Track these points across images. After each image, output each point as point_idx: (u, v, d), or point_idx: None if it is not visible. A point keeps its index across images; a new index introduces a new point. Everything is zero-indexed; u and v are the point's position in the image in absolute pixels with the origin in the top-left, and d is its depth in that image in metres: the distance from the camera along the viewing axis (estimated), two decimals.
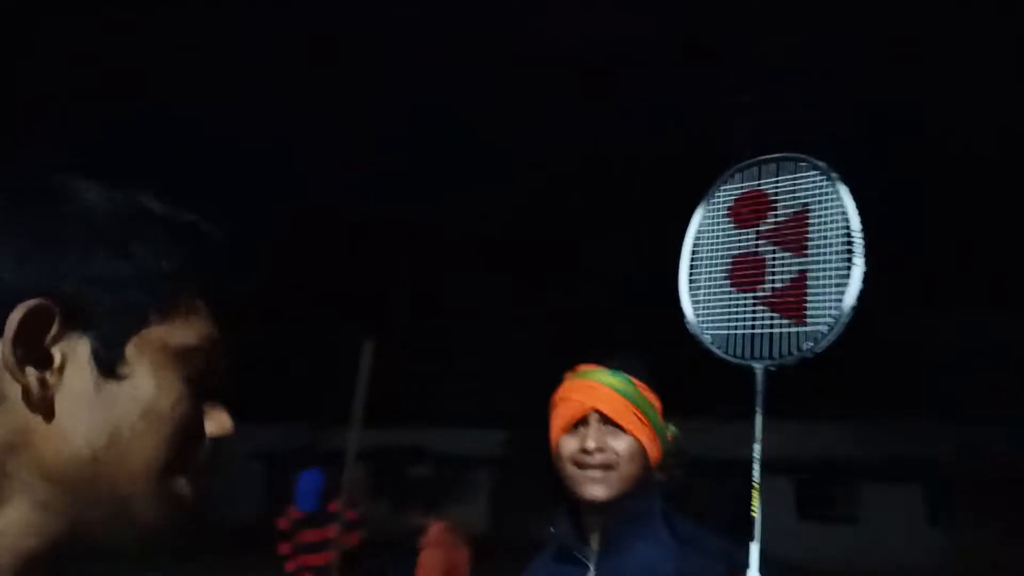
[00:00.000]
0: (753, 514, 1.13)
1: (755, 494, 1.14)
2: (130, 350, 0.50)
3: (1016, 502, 12.48)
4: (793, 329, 1.18)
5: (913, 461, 14.58)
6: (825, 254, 1.17)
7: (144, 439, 0.49)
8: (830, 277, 1.15)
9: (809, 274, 1.19)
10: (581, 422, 1.30)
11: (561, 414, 1.33)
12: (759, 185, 1.27)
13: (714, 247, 1.31)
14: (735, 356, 1.22)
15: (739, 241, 1.28)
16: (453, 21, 14.57)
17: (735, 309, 1.25)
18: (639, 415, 1.28)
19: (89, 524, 0.49)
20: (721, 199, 1.32)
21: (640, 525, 1.28)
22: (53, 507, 0.48)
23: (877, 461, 14.78)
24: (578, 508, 1.32)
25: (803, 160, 1.22)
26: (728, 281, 1.27)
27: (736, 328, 1.23)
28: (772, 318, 1.20)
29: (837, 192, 1.17)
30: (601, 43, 14.04)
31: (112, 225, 0.52)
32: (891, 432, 14.38)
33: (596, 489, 1.26)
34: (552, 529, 1.36)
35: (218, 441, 0.55)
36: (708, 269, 1.31)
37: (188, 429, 0.52)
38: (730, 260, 1.28)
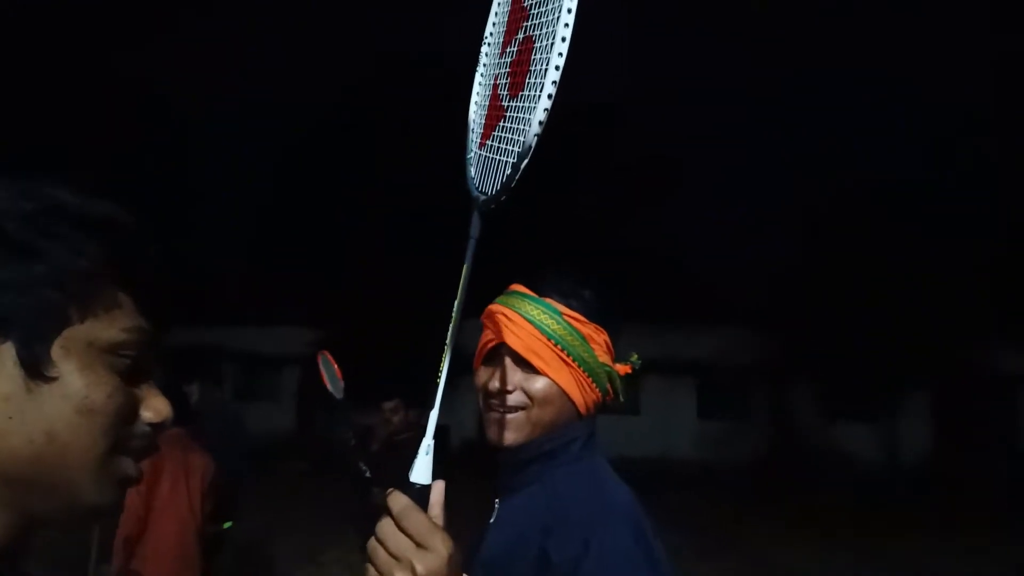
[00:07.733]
0: (438, 380, 0.89)
1: (445, 356, 0.90)
2: (56, 351, 0.50)
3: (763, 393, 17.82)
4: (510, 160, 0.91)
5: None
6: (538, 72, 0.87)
7: (82, 432, 0.50)
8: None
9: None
10: (495, 354, 1.20)
11: (480, 341, 1.23)
12: None
13: (493, 57, 1.06)
14: (472, 188, 0.95)
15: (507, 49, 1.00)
16: None
17: (494, 132, 0.99)
18: (560, 354, 1.15)
19: (39, 511, 0.51)
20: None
21: (540, 472, 1.15)
22: (2, 502, 0.50)
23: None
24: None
25: None
26: (488, 97, 1.01)
27: (487, 153, 0.97)
28: (501, 143, 0.94)
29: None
30: None
31: (19, 226, 0.50)
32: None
33: (499, 433, 1.17)
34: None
35: (157, 425, 0.56)
36: (481, 82, 1.07)
37: (126, 418, 0.53)
38: (495, 74, 1.01)
